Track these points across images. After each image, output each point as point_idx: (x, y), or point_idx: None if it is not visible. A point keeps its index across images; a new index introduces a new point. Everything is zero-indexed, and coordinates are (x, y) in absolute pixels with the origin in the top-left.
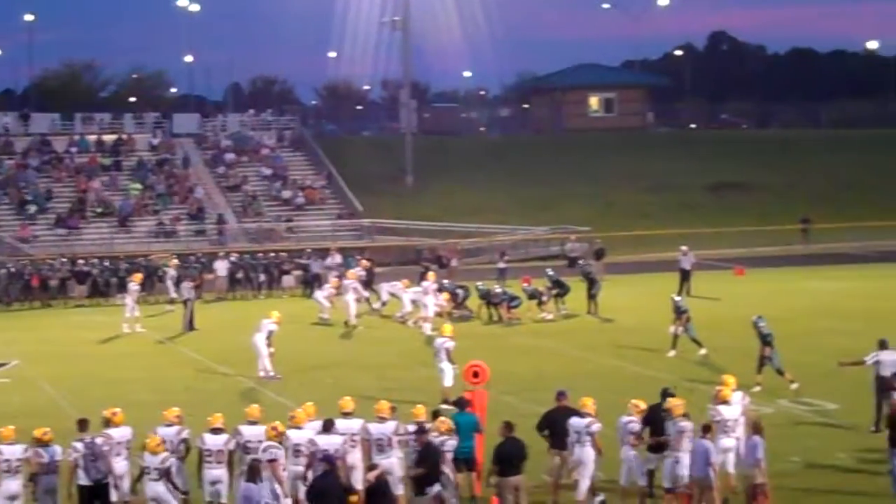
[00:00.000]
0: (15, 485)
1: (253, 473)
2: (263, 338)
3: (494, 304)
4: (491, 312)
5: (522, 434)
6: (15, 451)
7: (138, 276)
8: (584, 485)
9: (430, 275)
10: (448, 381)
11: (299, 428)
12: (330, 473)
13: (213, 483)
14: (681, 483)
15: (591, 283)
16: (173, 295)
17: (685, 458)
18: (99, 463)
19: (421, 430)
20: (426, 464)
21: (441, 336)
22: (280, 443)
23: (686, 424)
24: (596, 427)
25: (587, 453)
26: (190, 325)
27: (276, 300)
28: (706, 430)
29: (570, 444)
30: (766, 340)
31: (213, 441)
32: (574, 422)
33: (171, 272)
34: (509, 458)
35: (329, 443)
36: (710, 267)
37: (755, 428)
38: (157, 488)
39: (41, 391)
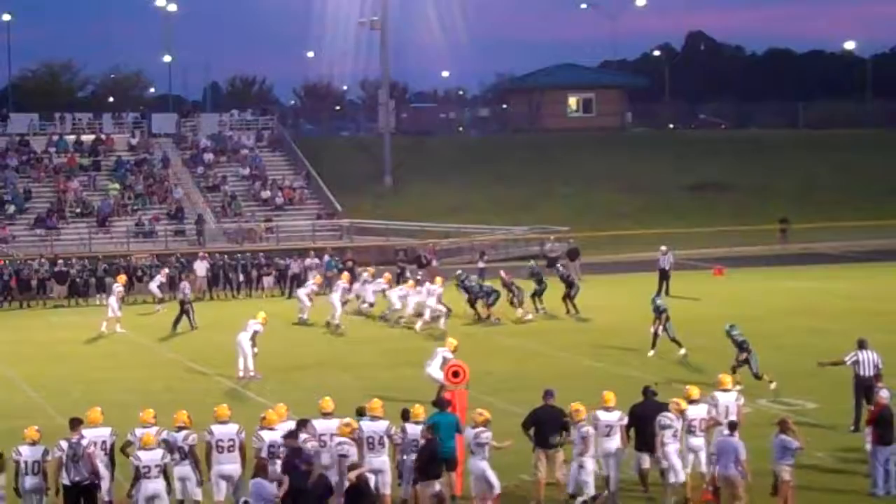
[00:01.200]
0: None
1: (260, 469)
2: (248, 337)
3: (473, 302)
4: (474, 312)
5: (505, 433)
6: None
7: (122, 278)
8: (615, 477)
9: (438, 279)
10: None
11: (272, 429)
12: (308, 474)
13: (181, 480)
14: (586, 491)
15: (569, 286)
16: (160, 295)
17: (589, 464)
18: (80, 464)
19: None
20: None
21: (443, 347)
22: (353, 439)
23: (589, 429)
24: (625, 422)
25: (615, 445)
26: (175, 325)
27: (256, 301)
28: (732, 427)
29: (600, 438)
30: (742, 347)
31: (174, 439)
32: (603, 415)
33: (160, 278)
34: (432, 460)
35: (274, 438)
36: (689, 267)
37: (782, 426)
38: (156, 486)
39: (20, 391)
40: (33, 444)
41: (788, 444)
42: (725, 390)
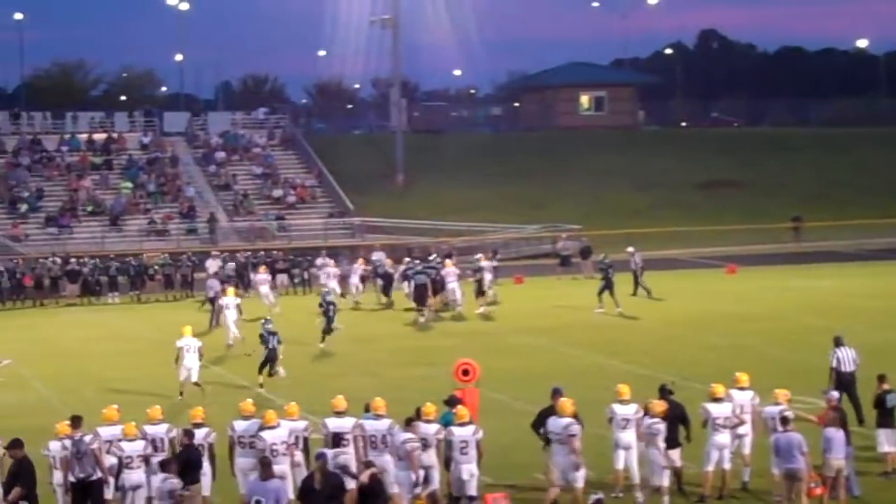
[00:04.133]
0: None
1: (265, 467)
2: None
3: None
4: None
5: (516, 431)
6: None
7: (263, 268)
8: (636, 471)
9: (448, 262)
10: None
11: (273, 427)
12: (320, 472)
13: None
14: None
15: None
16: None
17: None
18: (84, 461)
19: (15, 444)
20: (22, 483)
21: (183, 336)
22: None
23: (578, 427)
24: (640, 415)
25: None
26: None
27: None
28: (785, 421)
29: (617, 431)
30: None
31: (201, 434)
32: (619, 409)
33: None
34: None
35: (276, 436)
36: (701, 265)
37: (841, 422)
38: (139, 476)
39: (33, 390)
40: (61, 440)
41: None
42: (742, 388)
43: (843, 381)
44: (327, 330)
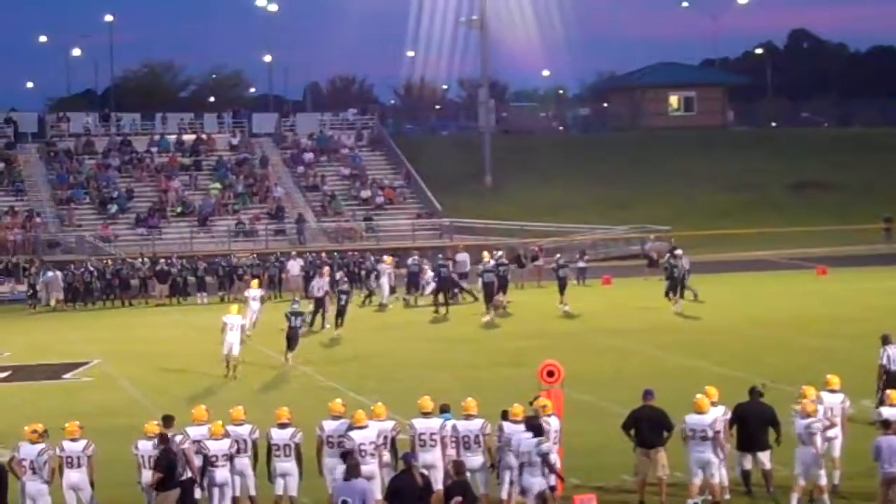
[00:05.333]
0: (76, 475)
1: (353, 469)
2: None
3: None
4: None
5: (604, 433)
6: (76, 447)
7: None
8: (724, 473)
9: (388, 258)
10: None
11: (362, 427)
12: (408, 473)
13: (283, 476)
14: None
15: (675, 276)
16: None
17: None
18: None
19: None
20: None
21: (230, 314)
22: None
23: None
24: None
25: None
26: (311, 323)
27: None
28: (887, 425)
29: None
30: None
31: (279, 436)
32: (694, 419)
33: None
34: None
35: (365, 436)
36: (791, 266)
37: None
38: (224, 474)
39: (122, 390)
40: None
41: None
42: (832, 391)
43: (892, 379)
44: (340, 315)
